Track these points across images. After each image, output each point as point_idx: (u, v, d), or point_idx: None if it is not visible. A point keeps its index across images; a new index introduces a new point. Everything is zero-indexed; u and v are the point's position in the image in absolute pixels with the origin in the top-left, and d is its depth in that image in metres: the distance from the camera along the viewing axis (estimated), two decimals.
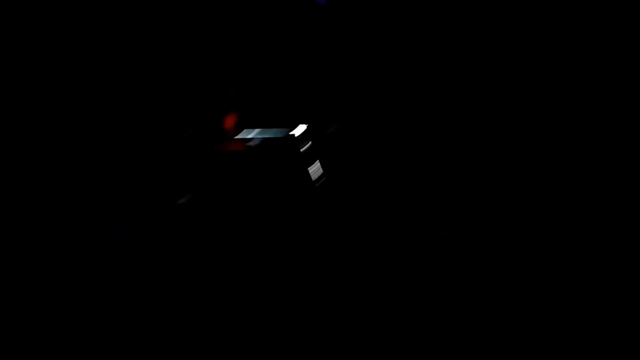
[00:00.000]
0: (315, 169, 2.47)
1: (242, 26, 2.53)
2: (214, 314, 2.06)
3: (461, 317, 1.98)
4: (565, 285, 2.01)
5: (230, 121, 2.57)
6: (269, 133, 2.55)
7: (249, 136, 2.55)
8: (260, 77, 2.57)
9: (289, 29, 2.53)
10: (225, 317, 2.04)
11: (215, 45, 2.53)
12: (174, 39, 2.51)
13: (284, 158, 2.48)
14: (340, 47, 2.49)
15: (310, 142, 2.52)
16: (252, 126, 2.58)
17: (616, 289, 1.96)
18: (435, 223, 2.20)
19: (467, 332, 1.95)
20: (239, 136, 2.55)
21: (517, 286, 2.02)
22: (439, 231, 2.18)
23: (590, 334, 1.88)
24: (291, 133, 2.54)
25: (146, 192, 2.38)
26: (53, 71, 2.38)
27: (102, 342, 1.96)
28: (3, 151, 2.31)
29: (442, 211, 2.22)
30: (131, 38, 2.45)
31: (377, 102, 2.44)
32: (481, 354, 1.90)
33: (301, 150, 2.49)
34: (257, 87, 2.58)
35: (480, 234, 2.15)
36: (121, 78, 2.44)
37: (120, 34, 2.44)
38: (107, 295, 2.11)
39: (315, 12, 2.51)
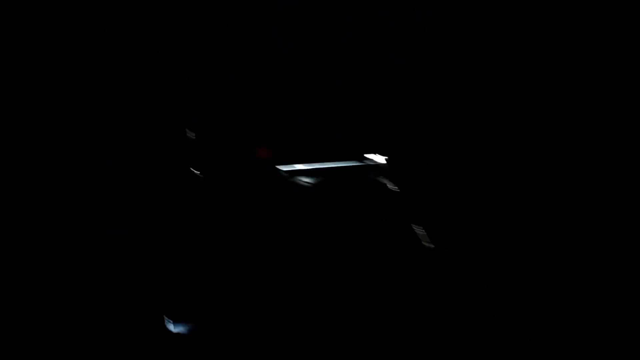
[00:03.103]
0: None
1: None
2: (215, 314, 2.04)
3: (461, 317, 1.98)
4: (565, 285, 2.01)
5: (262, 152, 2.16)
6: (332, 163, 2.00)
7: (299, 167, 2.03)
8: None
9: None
10: (227, 318, 2.03)
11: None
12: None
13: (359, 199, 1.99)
14: (341, 47, 2.49)
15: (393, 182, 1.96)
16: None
17: (616, 289, 1.96)
18: (435, 223, 2.19)
19: (467, 332, 1.95)
20: (286, 168, 2.07)
21: (517, 286, 2.02)
22: (439, 231, 2.17)
23: (591, 334, 1.87)
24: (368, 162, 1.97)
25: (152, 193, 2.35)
26: (53, 71, 2.37)
27: (102, 342, 1.95)
28: (3, 151, 2.30)
29: (442, 211, 2.22)
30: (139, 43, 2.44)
31: (377, 103, 2.44)
32: (481, 354, 1.90)
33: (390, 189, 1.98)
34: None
35: (480, 234, 2.14)
36: (122, 78, 2.43)
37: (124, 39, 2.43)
38: (107, 295, 2.11)
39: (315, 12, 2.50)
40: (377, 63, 2.47)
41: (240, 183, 2.16)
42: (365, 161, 2.05)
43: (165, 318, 1.98)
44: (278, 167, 2.06)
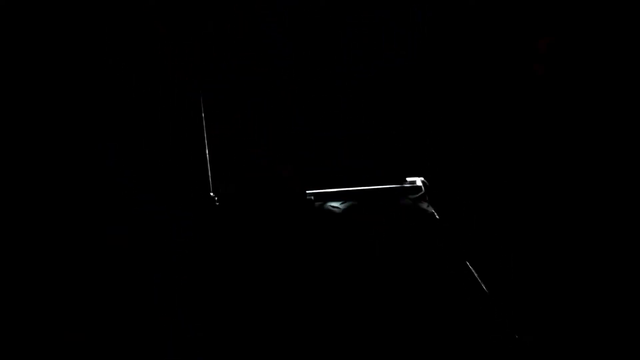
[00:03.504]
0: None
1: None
2: (217, 314, 2.02)
3: (461, 317, 1.97)
4: (565, 285, 2.00)
5: None
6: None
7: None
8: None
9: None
10: (228, 319, 2.01)
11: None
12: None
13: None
14: (341, 47, 2.49)
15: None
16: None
17: (616, 289, 1.95)
18: (436, 223, 2.18)
19: (467, 332, 1.94)
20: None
21: (517, 286, 2.01)
22: (439, 231, 2.16)
23: (591, 334, 1.87)
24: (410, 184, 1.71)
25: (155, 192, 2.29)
26: (53, 71, 2.36)
27: (102, 342, 1.93)
28: (3, 151, 2.27)
29: (442, 211, 2.21)
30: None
31: (377, 103, 2.44)
32: (481, 354, 1.89)
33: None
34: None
35: (480, 234, 2.14)
36: (122, 78, 2.42)
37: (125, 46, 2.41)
38: (107, 295, 2.09)
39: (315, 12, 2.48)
40: (377, 63, 2.46)
41: (262, 206, 2.01)
42: (403, 183, 1.85)
43: None
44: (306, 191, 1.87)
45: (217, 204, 2.23)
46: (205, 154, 2.43)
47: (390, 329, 1.74)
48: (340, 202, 1.87)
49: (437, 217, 1.87)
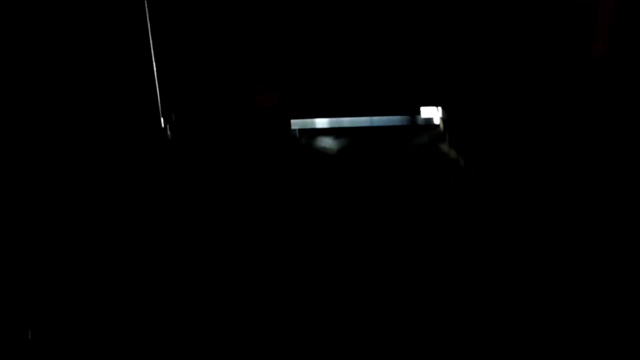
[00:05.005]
0: None
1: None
2: (221, 315, 1.93)
3: (461, 317, 1.97)
4: (566, 286, 2.00)
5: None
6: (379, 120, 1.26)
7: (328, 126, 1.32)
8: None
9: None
10: (229, 319, 1.95)
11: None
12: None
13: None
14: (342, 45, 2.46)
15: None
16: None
17: (617, 290, 1.94)
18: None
19: (467, 332, 1.94)
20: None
21: (517, 286, 2.01)
22: (442, 232, 2.08)
23: (591, 334, 1.87)
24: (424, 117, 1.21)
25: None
26: (53, 71, 2.30)
27: (102, 342, 1.84)
28: (3, 151, 2.19)
29: (445, 212, 2.20)
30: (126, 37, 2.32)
31: (379, 102, 2.42)
32: (481, 354, 1.89)
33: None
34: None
35: (480, 234, 2.13)
36: (123, 78, 2.38)
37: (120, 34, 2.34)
38: (106, 295, 2.06)
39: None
40: None
41: (229, 139, 1.52)
42: (414, 117, 1.28)
43: None
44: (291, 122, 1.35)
45: (169, 135, 1.72)
46: (152, 62, 1.75)
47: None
48: (331, 139, 1.42)
49: (462, 164, 1.37)
